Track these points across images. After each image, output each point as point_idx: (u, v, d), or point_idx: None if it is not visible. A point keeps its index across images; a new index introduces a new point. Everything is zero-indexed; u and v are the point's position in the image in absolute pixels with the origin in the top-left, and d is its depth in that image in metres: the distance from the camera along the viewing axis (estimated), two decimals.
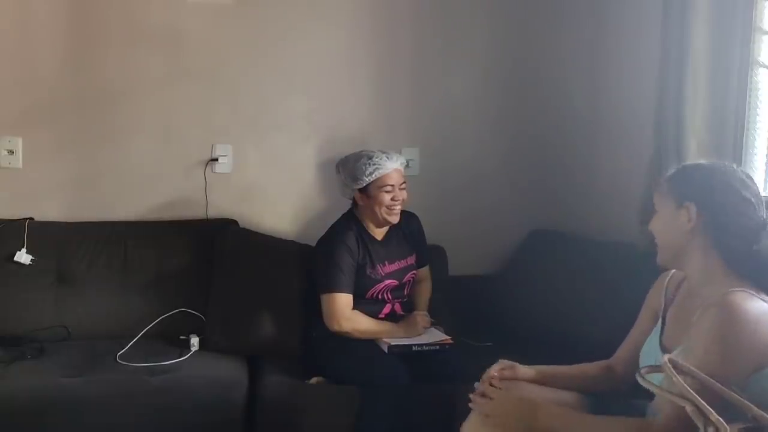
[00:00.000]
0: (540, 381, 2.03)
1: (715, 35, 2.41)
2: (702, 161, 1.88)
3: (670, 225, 1.74)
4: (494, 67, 3.26)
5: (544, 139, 3.28)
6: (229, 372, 2.56)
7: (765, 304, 1.59)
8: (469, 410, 1.94)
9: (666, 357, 1.23)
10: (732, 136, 2.46)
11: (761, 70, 2.42)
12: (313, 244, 2.87)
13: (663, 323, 1.84)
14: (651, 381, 1.32)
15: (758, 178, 2.46)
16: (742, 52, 2.42)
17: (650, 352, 1.84)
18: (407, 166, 3.01)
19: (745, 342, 1.52)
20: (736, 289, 1.60)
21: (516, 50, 3.25)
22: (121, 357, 2.59)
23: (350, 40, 3.16)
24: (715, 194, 1.67)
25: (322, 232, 2.81)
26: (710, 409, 1.15)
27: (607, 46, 3.08)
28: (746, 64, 2.42)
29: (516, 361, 2.05)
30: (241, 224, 3.07)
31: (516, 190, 3.29)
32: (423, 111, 3.22)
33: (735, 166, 1.75)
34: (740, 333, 1.52)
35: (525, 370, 2.05)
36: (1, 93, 2.94)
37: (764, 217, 1.67)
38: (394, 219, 2.71)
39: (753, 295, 1.59)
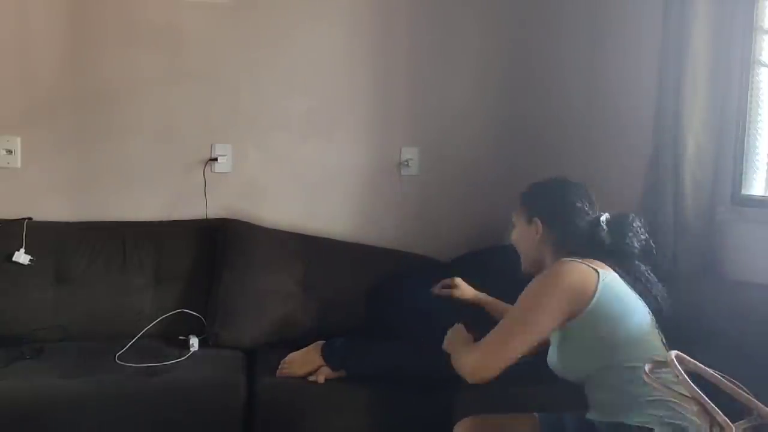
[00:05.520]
0: (477, 305, 2.43)
1: (716, 34, 2.41)
2: (546, 179, 2.13)
3: (525, 238, 2.06)
4: (493, 66, 3.26)
5: (543, 139, 3.27)
6: (229, 372, 2.54)
7: (585, 266, 1.83)
8: (463, 411, 1.95)
9: (673, 353, 1.22)
10: (733, 136, 2.46)
11: (762, 70, 2.42)
12: None
13: None
14: (656, 379, 1.31)
15: (759, 178, 2.46)
16: (743, 52, 2.42)
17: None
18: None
19: (553, 288, 1.80)
20: (565, 259, 1.87)
21: (515, 50, 3.25)
22: (120, 357, 2.57)
23: (350, 40, 3.15)
24: (554, 208, 2.02)
25: (322, 232, 2.79)
26: (717, 409, 1.15)
27: (607, 45, 3.07)
28: (747, 64, 2.42)
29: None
30: None
31: (516, 189, 3.26)
32: (423, 111, 3.22)
33: (570, 179, 2.08)
34: (549, 281, 1.82)
35: (466, 290, 2.46)
36: None
37: (597, 216, 1.98)
38: None
39: (578, 261, 1.84)
